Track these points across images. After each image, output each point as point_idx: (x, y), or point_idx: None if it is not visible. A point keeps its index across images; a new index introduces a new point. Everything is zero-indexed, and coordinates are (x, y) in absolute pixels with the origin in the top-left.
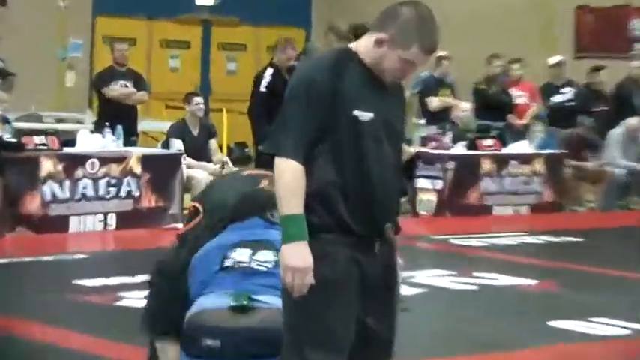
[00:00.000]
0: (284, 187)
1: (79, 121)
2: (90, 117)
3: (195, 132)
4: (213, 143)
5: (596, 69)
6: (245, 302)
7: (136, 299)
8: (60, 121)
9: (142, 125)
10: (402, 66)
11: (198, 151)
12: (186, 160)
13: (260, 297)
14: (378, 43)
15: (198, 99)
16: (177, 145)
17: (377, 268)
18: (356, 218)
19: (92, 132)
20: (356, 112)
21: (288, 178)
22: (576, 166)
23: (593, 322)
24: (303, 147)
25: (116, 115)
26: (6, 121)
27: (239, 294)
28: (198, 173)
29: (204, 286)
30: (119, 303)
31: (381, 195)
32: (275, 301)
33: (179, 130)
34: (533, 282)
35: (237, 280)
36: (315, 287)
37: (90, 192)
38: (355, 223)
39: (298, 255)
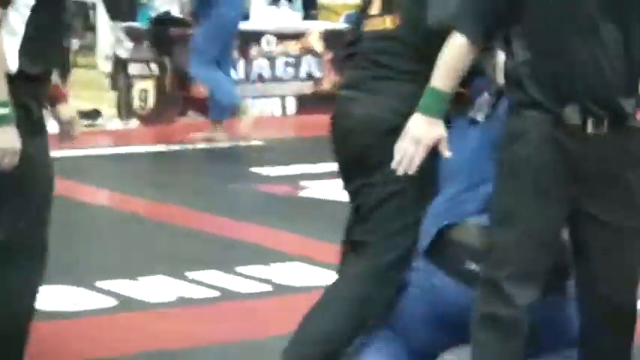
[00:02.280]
0: (444, 60)
1: None
2: None
3: None
4: None
5: None
6: None
7: (319, 190)
8: None
9: None
10: None
11: None
12: None
13: None
14: None
15: None
16: None
17: (593, 152)
18: (549, 98)
19: (268, 4)
20: None
21: (451, 53)
22: None
23: None
24: (482, 22)
25: None
26: None
27: None
28: None
29: None
30: (302, 193)
31: (569, 76)
32: None
33: None
34: None
35: None
36: (505, 166)
37: (266, 73)
38: (551, 104)
39: (423, 127)
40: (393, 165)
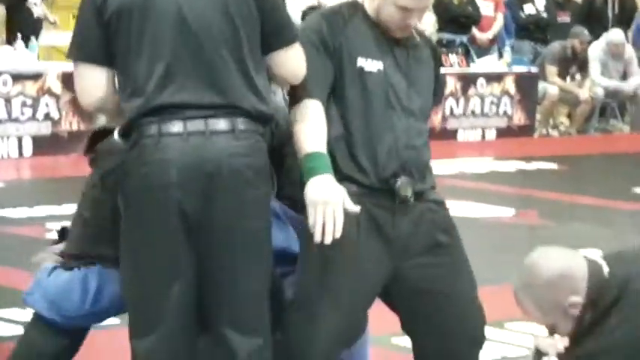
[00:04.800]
0: (312, 126)
1: None
2: None
3: None
4: None
5: None
6: None
7: None
8: None
9: (49, 39)
10: (400, 15)
11: None
12: None
13: None
14: None
15: None
16: None
17: (403, 224)
18: (363, 172)
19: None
20: (360, 63)
21: (309, 118)
22: (561, 86)
23: None
24: (321, 88)
25: (27, 26)
26: None
27: None
28: None
29: None
30: (50, 235)
31: (388, 150)
32: None
33: None
34: (511, 212)
35: None
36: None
37: (2, 113)
38: (363, 177)
39: (322, 188)
40: (318, 238)
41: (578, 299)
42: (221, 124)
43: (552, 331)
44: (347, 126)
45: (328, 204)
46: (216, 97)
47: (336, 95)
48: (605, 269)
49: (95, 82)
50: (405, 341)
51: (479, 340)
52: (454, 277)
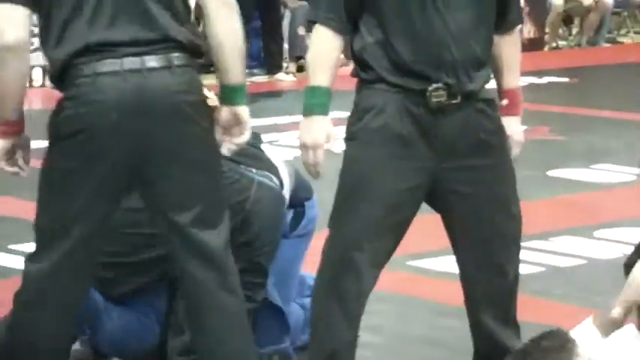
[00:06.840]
0: (310, 58)
1: None
2: None
3: None
4: None
5: None
6: None
7: None
8: None
9: None
10: None
11: None
12: None
13: None
14: None
15: None
16: None
17: (446, 125)
18: (403, 75)
19: None
20: None
21: (315, 48)
22: None
23: (594, 169)
24: (338, 11)
25: None
26: None
27: None
28: None
29: None
30: None
31: (429, 51)
32: None
33: None
34: (522, 128)
35: None
36: (358, 138)
37: None
38: (403, 80)
39: (311, 130)
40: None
41: None
42: (157, 60)
43: None
44: (385, 31)
45: (310, 149)
46: (150, 32)
47: (370, 3)
48: None
49: (15, 21)
50: (420, 263)
51: (517, 244)
52: (496, 181)
